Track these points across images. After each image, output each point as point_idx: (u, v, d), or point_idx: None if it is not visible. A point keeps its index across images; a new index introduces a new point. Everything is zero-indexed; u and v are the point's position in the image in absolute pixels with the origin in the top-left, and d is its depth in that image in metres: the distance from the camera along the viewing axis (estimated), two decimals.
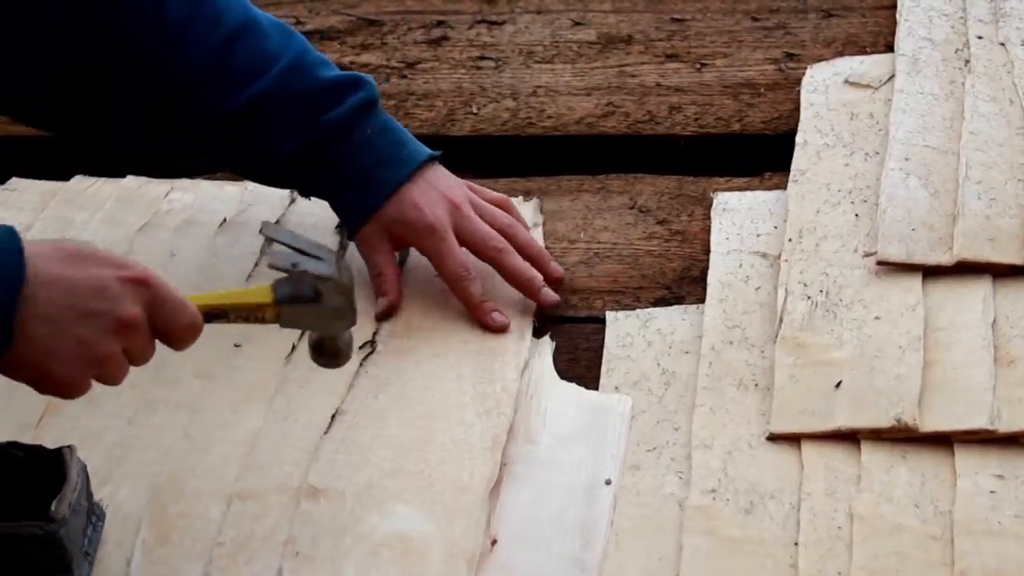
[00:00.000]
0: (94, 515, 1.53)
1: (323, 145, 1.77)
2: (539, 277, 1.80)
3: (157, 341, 1.44)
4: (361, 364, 1.72)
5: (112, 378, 1.43)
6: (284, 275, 1.48)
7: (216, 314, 1.48)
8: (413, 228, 1.78)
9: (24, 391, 1.65)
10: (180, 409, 1.68)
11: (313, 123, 1.76)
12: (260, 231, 1.51)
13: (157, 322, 1.42)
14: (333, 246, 1.53)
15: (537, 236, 1.91)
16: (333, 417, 1.67)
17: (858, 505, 1.53)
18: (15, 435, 1.57)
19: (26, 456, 1.49)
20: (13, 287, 1.34)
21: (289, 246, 1.49)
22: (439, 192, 1.80)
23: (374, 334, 1.77)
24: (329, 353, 1.55)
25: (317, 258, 1.49)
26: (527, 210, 1.95)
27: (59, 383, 1.40)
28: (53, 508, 1.44)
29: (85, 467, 1.50)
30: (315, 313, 1.50)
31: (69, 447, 1.50)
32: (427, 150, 1.83)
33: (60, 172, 2.06)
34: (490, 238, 1.80)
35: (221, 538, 1.55)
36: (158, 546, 1.54)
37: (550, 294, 1.80)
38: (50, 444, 1.52)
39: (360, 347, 1.73)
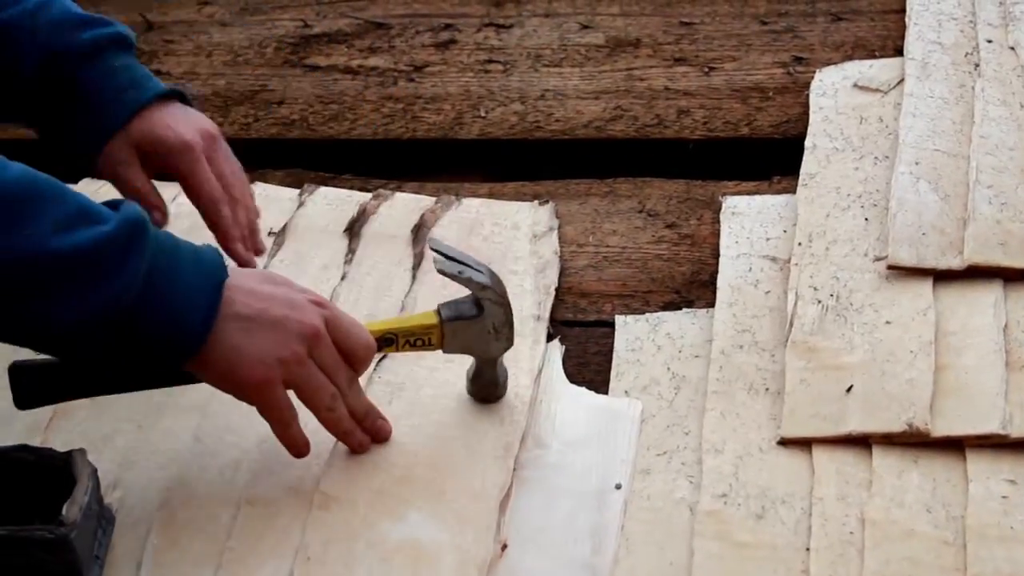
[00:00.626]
0: (104, 519, 1.53)
1: (67, 66, 1.70)
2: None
3: None
4: (374, 370, 1.72)
5: (307, 384, 1.54)
6: (447, 301, 1.62)
7: (387, 339, 1.60)
8: (165, 144, 1.72)
9: None
10: (189, 413, 1.68)
11: (59, 45, 1.70)
12: (428, 246, 1.64)
13: (337, 340, 1.54)
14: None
15: (552, 241, 1.90)
16: None
17: (870, 510, 1.53)
18: (24, 439, 1.57)
19: (36, 460, 1.49)
20: (219, 285, 1.49)
21: (452, 258, 1.61)
22: (193, 119, 1.77)
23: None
24: (488, 383, 1.65)
25: (477, 270, 1.61)
26: (542, 214, 1.94)
27: (246, 380, 1.51)
28: (64, 512, 1.44)
29: (95, 471, 1.50)
30: (477, 330, 1.61)
31: (79, 451, 1.50)
32: (178, 88, 1.79)
33: (66, 175, 2.06)
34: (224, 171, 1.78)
35: (231, 543, 1.54)
36: (168, 550, 1.54)
37: (246, 255, 1.77)
38: (59, 448, 1.52)
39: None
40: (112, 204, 1.47)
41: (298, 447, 1.58)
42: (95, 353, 1.46)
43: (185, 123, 1.76)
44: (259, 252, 1.80)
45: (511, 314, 1.63)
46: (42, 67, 1.71)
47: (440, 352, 1.64)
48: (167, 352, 1.48)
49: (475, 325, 1.62)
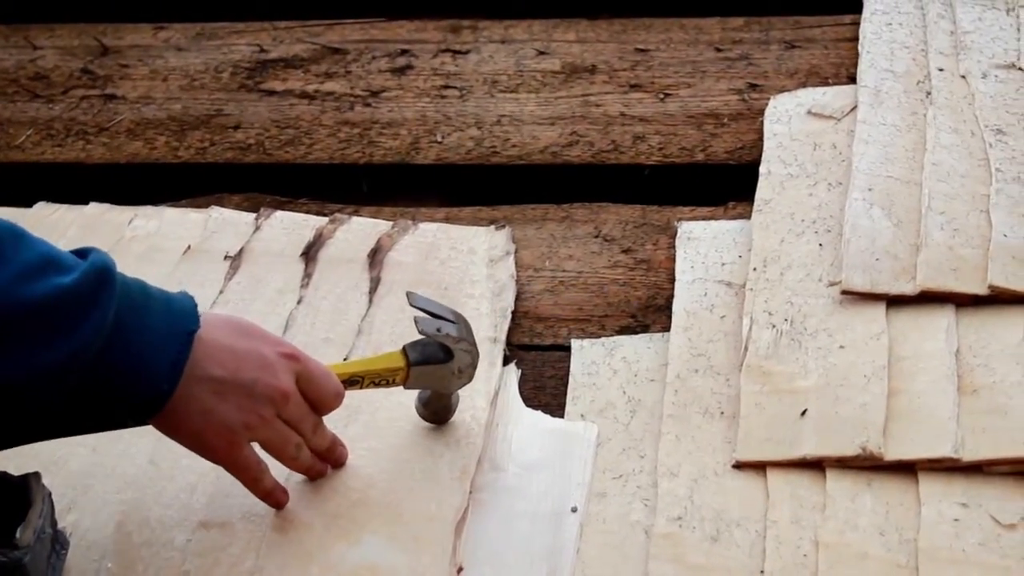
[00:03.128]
0: (58, 543, 1.52)
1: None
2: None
3: None
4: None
5: (272, 440, 1.53)
6: (413, 341, 1.63)
7: (353, 381, 1.60)
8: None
9: None
10: (145, 436, 1.66)
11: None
12: (410, 302, 1.64)
13: (307, 393, 1.54)
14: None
15: (508, 265, 1.91)
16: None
17: (823, 533, 1.54)
18: None
19: None
20: (189, 336, 1.45)
21: (432, 314, 1.63)
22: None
23: (345, 359, 1.76)
24: (441, 411, 1.67)
25: (452, 322, 1.63)
26: (499, 239, 1.95)
27: (211, 446, 1.50)
28: (18, 535, 1.43)
29: (50, 494, 1.50)
30: (443, 372, 1.63)
31: (34, 474, 1.49)
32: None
33: (22, 199, 2.06)
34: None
35: (186, 567, 1.54)
36: (123, 574, 1.53)
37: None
38: (13, 471, 1.51)
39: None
40: (80, 252, 1.42)
41: (275, 498, 1.57)
42: (48, 409, 1.40)
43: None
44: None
45: (477, 356, 1.65)
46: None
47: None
48: (130, 409, 1.45)
49: (442, 369, 1.63)
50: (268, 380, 1.50)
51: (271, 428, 1.52)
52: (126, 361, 1.41)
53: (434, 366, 1.62)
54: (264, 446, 1.55)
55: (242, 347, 1.50)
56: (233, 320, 1.53)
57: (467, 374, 1.65)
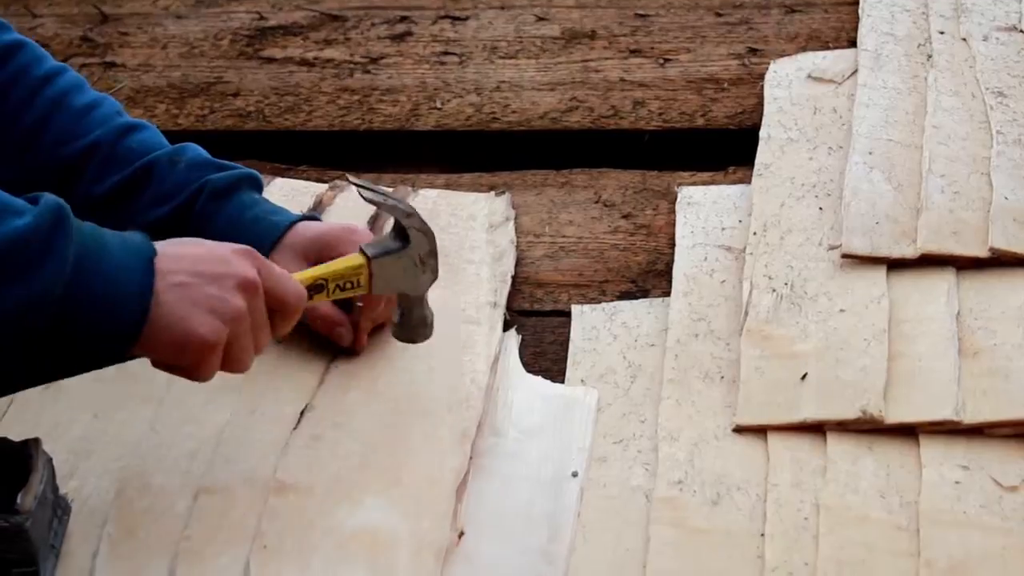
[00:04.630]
0: (60, 508, 1.52)
1: (210, 200, 1.72)
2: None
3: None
4: (331, 361, 1.72)
5: (240, 345, 1.50)
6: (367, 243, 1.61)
7: (317, 287, 1.59)
8: (331, 234, 1.71)
9: None
10: (146, 403, 1.68)
11: (200, 180, 1.71)
12: (349, 179, 1.66)
13: (270, 291, 1.52)
14: None
15: (508, 231, 1.91)
16: (302, 413, 1.66)
17: (824, 496, 1.54)
18: None
19: None
20: (149, 261, 1.46)
21: (375, 191, 1.61)
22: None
23: None
24: (417, 323, 1.64)
25: (398, 201, 1.62)
26: (499, 204, 1.95)
27: (199, 340, 1.47)
28: (19, 500, 1.43)
29: (51, 460, 1.50)
30: (404, 264, 1.60)
31: (34, 439, 1.49)
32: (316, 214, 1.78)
33: None
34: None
35: (187, 532, 1.54)
36: (124, 540, 1.53)
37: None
38: (15, 437, 1.51)
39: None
40: (32, 198, 1.43)
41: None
42: (26, 347, 1.42)
43: (333, 223, 1.75)
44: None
45: (435, 243, 1.63)
46: (186, 201, 1.71)
47: (393, 338, 1.65)
48: (109, 342, 1.46)
49: (402, 259, 1.61)
50: (234, 271, 1.50)
51: (243, 329, 1.50)
52: (93, 297, 1.43)
53: (394, 257, 1.61)
54: (228, 350, 1.50)
55: (200, 253, 1.50)
56: (183, 239, 1.53)
57: (430, 266, 1.63)
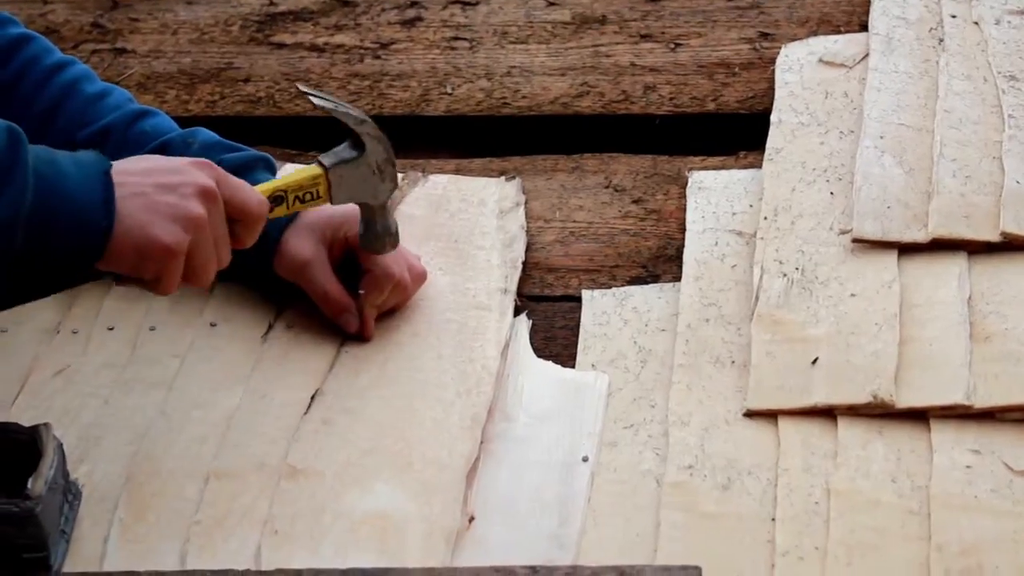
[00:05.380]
0: (70, 493, 1.52)
1: None
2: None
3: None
4: (342, 345, 1.72)
5: (202, 254, 1.52)
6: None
7: (276, 198, 1.60)
8: (344, 214, 1.72)
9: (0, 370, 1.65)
10: (156, 388, 1.68)
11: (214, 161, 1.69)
12: (299, 88, 1.67)
13: (228, 200, 1.54)
14: None
15: (519, 216, 1.90)
16: (313, 398, 1.66)
17: (835, 481, 1.54)
18: None
19: (1, 434, 1.48)
20: (106, 173, 1.49)
21: (327, 98, 1.63)
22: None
23: None
24: (380, 232, 1.66)
25: (351, 109, 1.64)
26: (509, 190, 1.94)
27: (162, 248, 1.49)
28: (29, 486, 1.43)
29: (61, 445, 1.50)
30: (362, 172, 1.63)
31: (45, 425, 1.49)
32: None
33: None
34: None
35: (198, 516, 1.54)
36: (135, 524, 1.54)
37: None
38: (25, 423, 1.51)
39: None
40: None
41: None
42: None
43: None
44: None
45: (391, 151, 1.65)
46: None
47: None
48: (74, 256, 1.48)
49: (359, 167, 1.63)
50: (192, 180, 1.52)
51: (204, 233, 1.52)
52: (57, 216, 1.46)
53: (351, 165, 1.63)
54: (191, 260, 1.52)
55: (155, 165, 1.53)
56: (141, 156, 1.58)
57: (388, 174, 1.65)
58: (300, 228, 1.71)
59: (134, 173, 1.51)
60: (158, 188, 1.51)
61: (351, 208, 1.71)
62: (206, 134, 1.76)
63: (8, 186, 1.44)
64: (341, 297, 1.72)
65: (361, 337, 1.72)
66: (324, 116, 2.13)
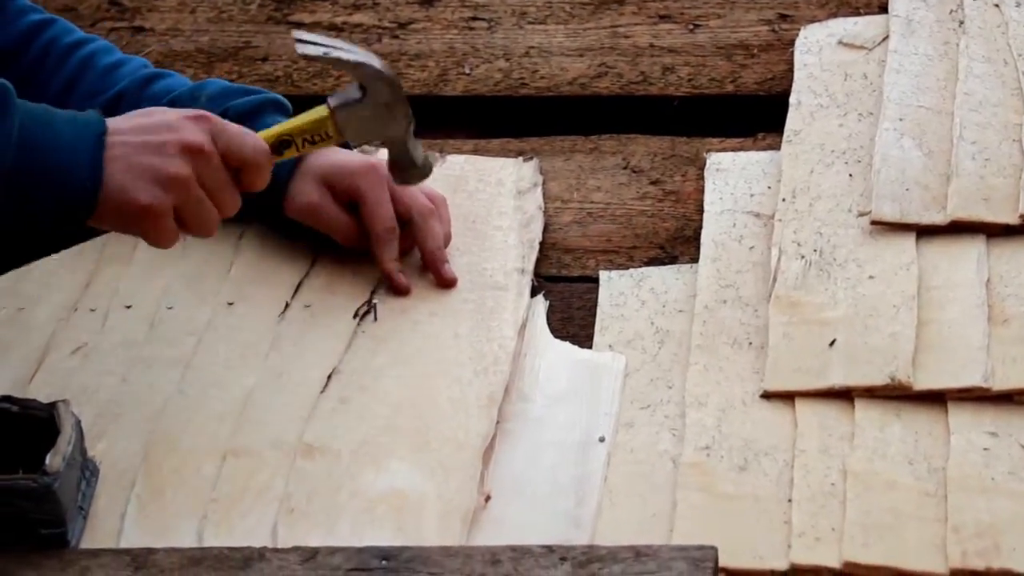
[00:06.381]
0: (88, 470, 1.53)
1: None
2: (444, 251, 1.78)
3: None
4: (359, 324, 1.72)
5: (193, 210, 1.53)
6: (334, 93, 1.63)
7: (283, 143, 1.61)
8: (348, 167, 1.74)
9: (17, 346, 1.66)
10: (174, 366, 1.68)
11: (221, 109, 1.73)
12: (292, 35, 1.66)
13: (225, 150, 1.54)
14: None
15: (536, 196, 1.90)
16: (329, 377, 1.66)
17: (852, 462, 1.54)
18: (8, 391, 1.57)
19: (20, 410, 1.49)
20: (98, 133, 1.52)
21: (317, 43, 1.62)
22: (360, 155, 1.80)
23: (372, 294, 1.76)
24: (404, 164, 1.67)
25: (348, 51, 1.62)
26: (527, 170, 1.94)
27: (141, 209, 1.51)
28: (47, 461, 1.44)
29: (79, 422, 1.50)
30: (370, 112, 1.62)
31: (63, 401, 1.50)
32: None
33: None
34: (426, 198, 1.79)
35: (215, 494, 1.55)
36: (152, 501, 1.54)
37: (451, 271, 1.77)
38: (43, 401, 1.52)
39: (357, 309, 1.73)
40: None
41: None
42: None
43: (357, 155, 1.78)
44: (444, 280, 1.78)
45: (399, 88, 1.65)
46: None
47: (417, 311, 1.68)
48: (64, 212, 1.50)
49: (365, 107, 1.63)
50: (177, 138, 1.53)
51: (191, 193, 1.53)
52: (44, 171, 1.49)
53: (358, 106, 1.62)
54: (183, 215, 1.54)
55: (148, 122, 1.54)
56: (139, 109, 1.58)
57: (399, 111, 1.65)
58: (305, 174, 1.74)
59: (124, 132, 1.53)
60: (142, 148, 1.52)
61: (359, 160, 1.74)
62: (216, 84, 1.78)
63: None
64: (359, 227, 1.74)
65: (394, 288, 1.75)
66: None
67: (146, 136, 1.53)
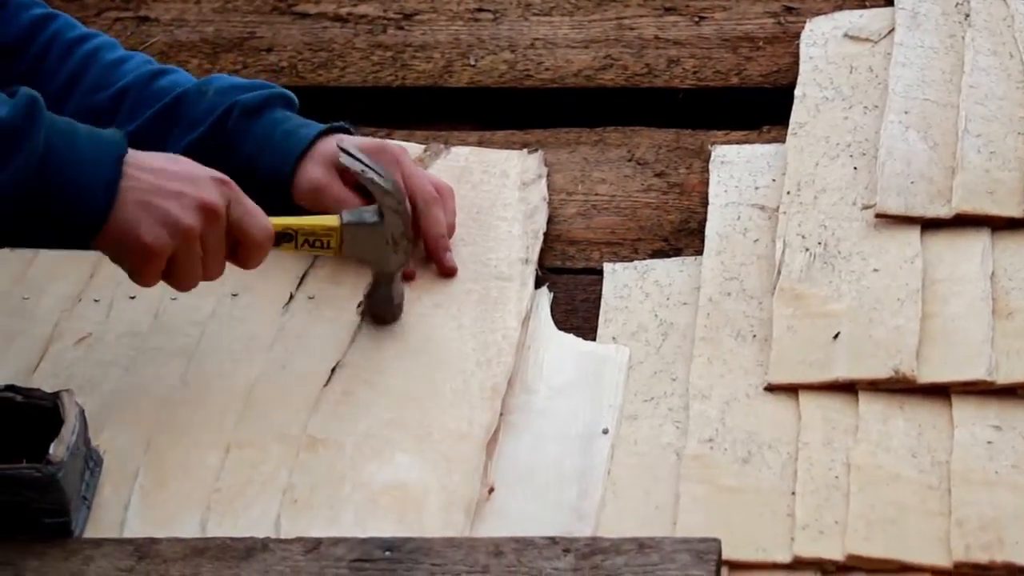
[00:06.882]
0: (91, 460, 1.53)
1: (241, 117, 1.75)
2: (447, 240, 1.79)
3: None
4: (362, 317, 1.72)
5: (185, 264, 1.56)
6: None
7: (286, 235, 1.63)
8: (360, 147, 1.74)
9: (22, 336, 1.66)
10: (178, 357, 1.68)
11: (229, 102, 1.75)
12: (338, 145, 1.70)
13: (235, 222, 1.57)
14: None
15: (540, 188, 1.90)
16: (334, 370, 1.66)
17: (855, 455, 1.54)
18: (12, 381, 1.57)
19: (24, 400, 1.49)
20: (118, 160, 1.53)
21: (359, 159, 1.66)
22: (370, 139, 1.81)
23: None
24: (384, 300, 1.69)
25: (381, 175, 1.66)
26: (531, 162, 1.94)
27: (142, 247, 1.53)
28: (51, 451, 1.44)
29: (83, 411, 1.51)
30: (377, 239, 1.65)
31: (67, 391, 1.50)
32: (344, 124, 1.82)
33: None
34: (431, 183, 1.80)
35: (218, 485, 1.55)
36: (156, 491, 1.54)
37: (452, 260, 1.77)
38: (48, 390, 1.52)
39: (360, 302, 1.73)
40: (9, 92, 1.51)
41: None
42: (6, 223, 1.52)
43: (369, 138, 1.80)
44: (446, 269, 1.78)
45: (409, 226, 1.68)
46: (217, 120, 1.74)
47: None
48: (73, 228, 1.53)
49: (375, 233, 1.65)
50: (197, 193, 1.55)
51: (190, 248, 1.55)
52: (61, 187, 1.51)
53: (368, 228, 1.65)
54: (173, 266, 1.56)
55: (174, 169, 1.56)
56: (166, 154, 1.60)
57: (402, 248, 1.67)
58: (316, 157, 1.74)
59: (147, 169, 1.55)
60: (162, 192, 1.54)
61: (369, 143, 1.75)
62: (222, 79, 1.79)
63: (19, 152, 1.48)
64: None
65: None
66: (347, 87, 2.15)
67: (167, 182, 1.55)
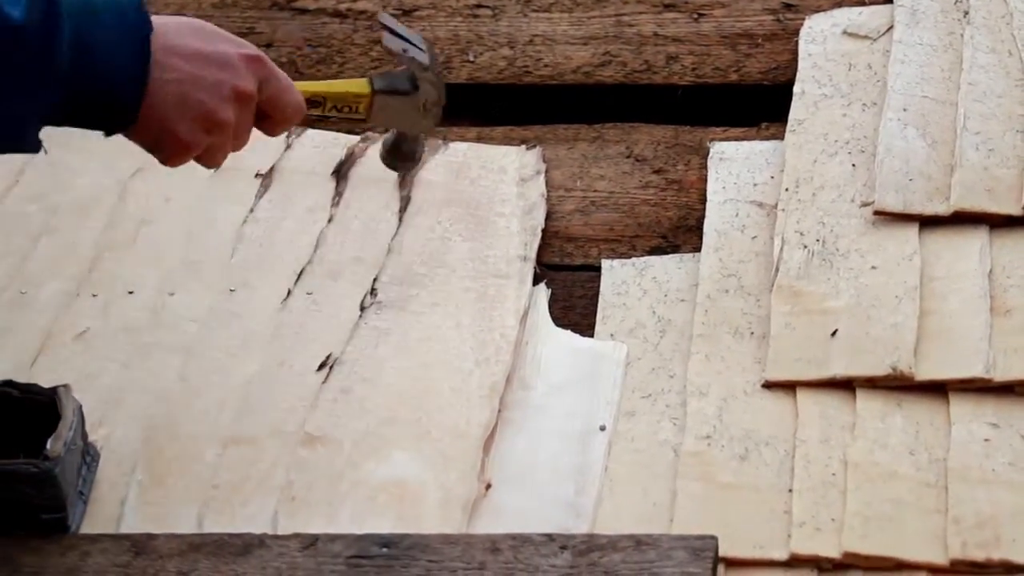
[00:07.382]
0: (88, 455, 1.53)
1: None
2: None
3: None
4: (361, 315, 1.72)
5: (216, 153, 1.49)
6: (379, 72, 1.63)
7: (315, 102, 1.58)
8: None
9: (19, 331, 1.66)
10: (175, 352, 1.68)
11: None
12: (377, 18, 1.65)
13: (267, 98, 1.49)
14: None
15: (539, 184, 1.90)
16: (331, 367, 1.66)
17: (853, 452, 1.54)
18: (10, 376, 1.57)
19: (21, 395, 1.49)
20: (144, 41, 1.41)
21: (399, 35, 1.61)
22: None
23: (374, 283, 1.76)
24: (406, 155, 1.67)
25: (420, 49, 1.61)
26: (529, 158, 1.94)
27: (179, 144, 1.45)
28: (48, 446, 1.44)
29: (80, 407, 1.51)
30: (407, 106, 1.62)
31: (64, 386, 1.50)
32: None
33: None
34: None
35: (216, 481, 1.55)
36: (153, 488, 1.54)
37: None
38: (45, 385, 1.52)
39: (360, 301, 1.73)
40: None
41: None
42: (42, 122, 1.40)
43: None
44: None
45: (444, 93, 1.65)
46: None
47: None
48: (104, 121, 1.43)
49: (407, 102, 1.63)
50: (233, 81, 1.46)
51: (224, 137, 1.48)
52: (93, 77, 1.38)
53: (400, 97, 1.61)
54: (207, 150, 1.49)
55: (205, 50, 1.46)
56: (194, 23, 1.49)
57: (433, 113, 1.64)
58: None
59: (178, 54, 1.43)
60: (197, 81, 1.44)
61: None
62: None
63: (49, 49, 1.35)
64: None
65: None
66: None
67: (203, 70, 1.44)
